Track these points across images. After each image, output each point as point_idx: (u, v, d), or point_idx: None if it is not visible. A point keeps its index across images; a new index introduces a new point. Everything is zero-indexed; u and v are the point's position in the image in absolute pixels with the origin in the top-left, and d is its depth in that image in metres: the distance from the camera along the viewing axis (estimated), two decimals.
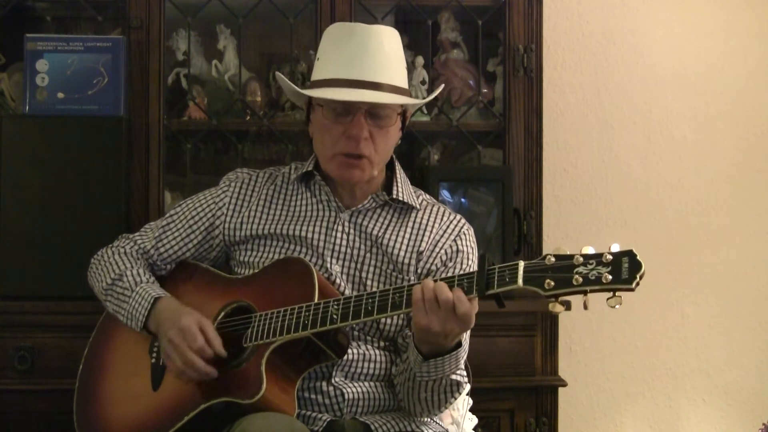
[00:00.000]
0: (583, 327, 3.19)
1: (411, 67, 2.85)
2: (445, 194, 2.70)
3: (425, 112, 2.83)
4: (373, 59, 2.04)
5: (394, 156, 2.20)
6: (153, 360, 2.08)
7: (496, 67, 2.87)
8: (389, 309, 1.87)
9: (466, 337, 1.99)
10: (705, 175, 3.23)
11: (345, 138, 2.04)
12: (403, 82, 2.09)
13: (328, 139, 2.07)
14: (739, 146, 3.24)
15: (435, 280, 1.84)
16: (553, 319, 2.66)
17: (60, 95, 2.60)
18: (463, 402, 2.28)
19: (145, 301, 2.07)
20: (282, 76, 2.19)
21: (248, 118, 2.80)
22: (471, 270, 2.11)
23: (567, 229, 3.17)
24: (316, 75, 2.11)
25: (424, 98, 2.77)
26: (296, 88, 2.12)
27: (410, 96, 2.14)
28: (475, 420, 2.34)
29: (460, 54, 2.89)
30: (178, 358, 1.95)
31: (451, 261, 2.12)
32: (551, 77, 3.07)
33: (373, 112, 2.04)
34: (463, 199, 2.73)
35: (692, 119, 3.23)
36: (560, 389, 2.68)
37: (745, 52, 3.23)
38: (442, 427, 2.15)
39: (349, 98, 2.02)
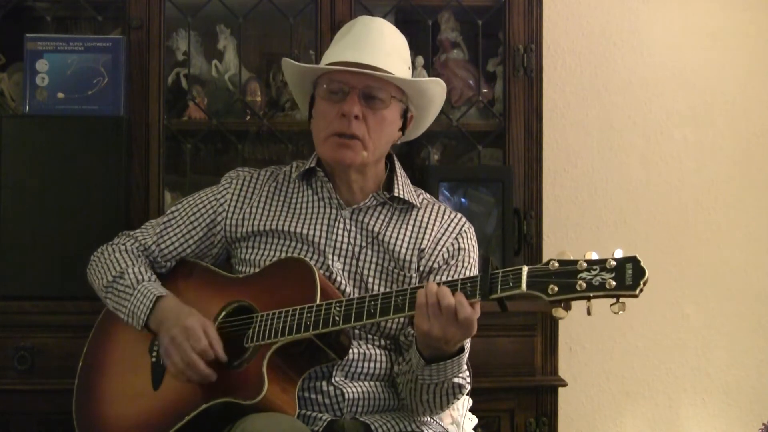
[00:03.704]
0: (583, 327, 3.19)
1: (411, 68, 2.85)
2: (445, 194, 2.70)
3: None
4: (372, 45, 2.07)
5: (394, 155, 2.21)
6: (153, 359, 2.08)
7: (496, 67, 2.87)
8: (392, 312, 1.87)
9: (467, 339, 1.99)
10: (705, 175, 3.23)
11: (338, 117, 2.06)
12: (402, 74, 2.10)
13: (323, 121, 2.09)
14: (739, 146, 3.24)
15: (438, 284, 1.84)
16: (553, 319, 2.65)
17: (60, 95, 2.60)
18: (463, 402, 2.28)
19: (148, 300, 2.07)
20: (288, 60, 2.20)
21: (248, 118, 2.80)
22: (472, 268, 2.13)
23: (567, 229, 3.17)
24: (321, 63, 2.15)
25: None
26: (293, 62, 2.16)
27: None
28: (475, 420, 2.34)
29: (460, 54, 2.88)
30: (180, 358, 1.95)
31: (453, 259, 2.13)
32: (551, 77, 3.07)
33: (368, 93, 2.06)
34: (463, 199, 2.73)
35: (692, 119, 3.23)
36: (560, 389, 2.68)
37: (745, 52, 3.23)
38: (443, 427, 2.15)
39: (343, 59, 2.05)
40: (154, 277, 2.16)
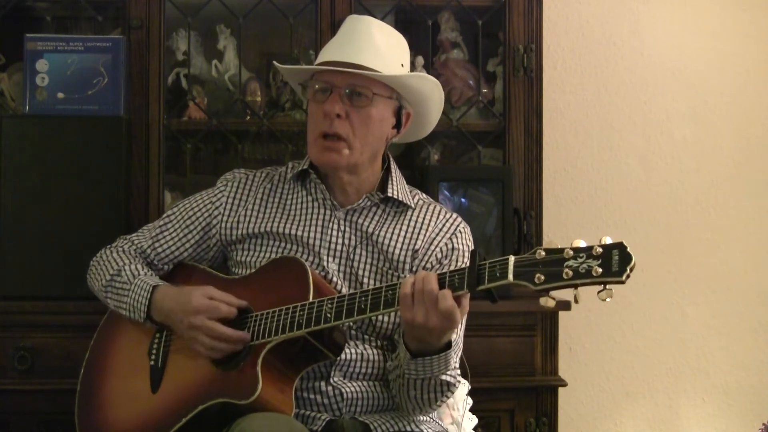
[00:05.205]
0: (583, 327, 3.19)
1: (411, 68, 2.84)
2: (445, 194, 2.70)
3: None
4: (356, 43, 2.06)
5: (389, 155, 2.20)
6: (152, 362, 2.09)
7: (496, 67, 2.87)
8: (382, 307, 1.87)
9: (459, 336, 1.99)
10: (705, 175, 3.23)
11: (322, 118, 2.05)
12: (388, 71, 2.07)
13: (312, 123, 2.09)
14: (739, 146, 3.24)
15: None
16: (553, 319, 2.66)
17: (60, 95, 2.60)
18: (463, 402, 2.28)
19: (145, 291, 2.08)
20: (276, 63, 2.21)
21: (248, 118, 2.80)
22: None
23: (567, 229, 3.17)
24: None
25: None
26: (278, 65, 2.16)
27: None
28: (475, 420, 2.34)
29: (460, 54, 2.89)
30: (207, 338, 1.96)
31: (446, 259, 2.12)
32: (551, 77, 3.07)
33: (351, 91, 2.04)
34: (463, 199, 2.73)
35: (692, 119, 3.23)
36: (560, 389, 2.68)
37: (745, 52, 3.23)
38: (442, 427, 2.15)
39: (328, 59, 2.05)
40: (150, 272, 2.16)
